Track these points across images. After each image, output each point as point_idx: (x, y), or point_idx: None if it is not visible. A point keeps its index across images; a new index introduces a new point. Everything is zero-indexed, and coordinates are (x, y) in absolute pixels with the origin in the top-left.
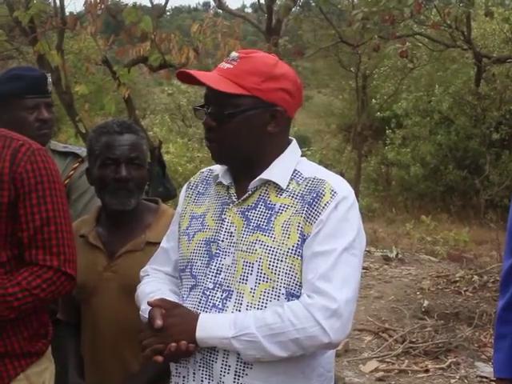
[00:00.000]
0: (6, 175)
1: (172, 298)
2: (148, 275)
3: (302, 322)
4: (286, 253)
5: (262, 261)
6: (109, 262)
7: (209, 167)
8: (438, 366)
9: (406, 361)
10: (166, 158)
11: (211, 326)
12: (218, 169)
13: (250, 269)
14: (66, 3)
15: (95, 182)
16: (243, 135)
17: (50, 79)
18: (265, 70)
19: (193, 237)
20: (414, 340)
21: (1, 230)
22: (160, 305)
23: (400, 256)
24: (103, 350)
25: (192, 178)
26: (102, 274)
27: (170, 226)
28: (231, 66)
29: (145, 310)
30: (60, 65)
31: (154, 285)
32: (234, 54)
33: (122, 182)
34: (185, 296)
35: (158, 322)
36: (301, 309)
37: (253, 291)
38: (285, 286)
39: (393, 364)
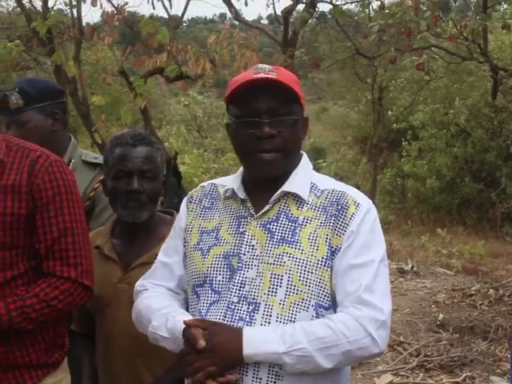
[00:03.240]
0: (24, 187)
1: (186, 316)
2: (147, 290)
3: (353, 334)
4: (315, 264)
5: (291, 273)
6: (123, 274)
7: (210, 181)
8: (452, 380)
9: (421, 374)
10: (181, 168)
11: (259, 342)
12: (227, 182)
13: (280, 281)
14: (83, 14)
15: (109, 193)
16: (298, 143)
17: (12, 97)
18: (298, 81)
19: (208, 252)
20: (428, 353)
21: (19, 241)
22: (198, 325)
23: (415, 269)
24: (117, 361)
25: (193, 192)
26: (116, 286)
27: (168, 240)
28: (275, 75)
29: (157, 326)
30: (77, 75)
31: (161, 301)
32: (262, 65)
33: (134, 194)
34: (203, 311)
35: (202, 343)
36: (351, 321)
37: (282, 303)
38: (315, 297)
39: (407, 377)
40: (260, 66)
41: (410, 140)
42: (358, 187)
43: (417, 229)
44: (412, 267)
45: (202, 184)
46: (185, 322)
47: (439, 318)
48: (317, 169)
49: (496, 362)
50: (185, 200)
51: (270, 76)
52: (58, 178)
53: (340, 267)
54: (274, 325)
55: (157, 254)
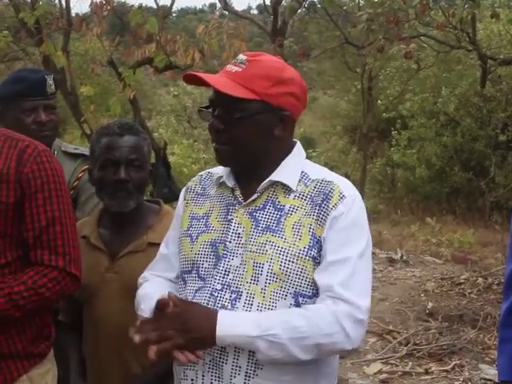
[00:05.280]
0: (12, 175)
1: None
2: (147, 280)
3: (328, 328)
4: (297, 254)
5: (272, 261)
6: (110, 263)
7: (207, 170)
8: (441, 368)
9: (410, 363)
10: (171, 159)
11: (233, 324)
12: (218, 171)
13: (261, 269)
14: (71, 4)
15: (95, 183)
16: (251, 139)
17: (50, 81)
18: (274, 75)
19: (196, 238)
20: (418, 342)
21: (6, 230)
22: (173, 299)
23: (405, 258)
24: (105, 351)
25: (190, 182)
26: (103, 275)
27: (169, 230)
28: (240, 69)
29: (143, 309)
30: (66, 66)
31: (154, 287)
32: (241, 56)
33: (121, 183)
34: (190, 298)
35: (173, 308)
36: (327, 314)
37: (263, 292)
38: (294, 286)
39: (396, 366)
40: (239, 56)
41: (400, 129)
42: (347, 177)
43: (406, 218)
44: (401, 256)
45: (200, 173)
46: (160, 298)
47: (428, 307)
48: (307, 158)
49: (485, 350)
50: (183, 190)
51: (219, 81)
52: (47, 167)
53: (321, 261)
54: (281, 308)
55: (144, 243)
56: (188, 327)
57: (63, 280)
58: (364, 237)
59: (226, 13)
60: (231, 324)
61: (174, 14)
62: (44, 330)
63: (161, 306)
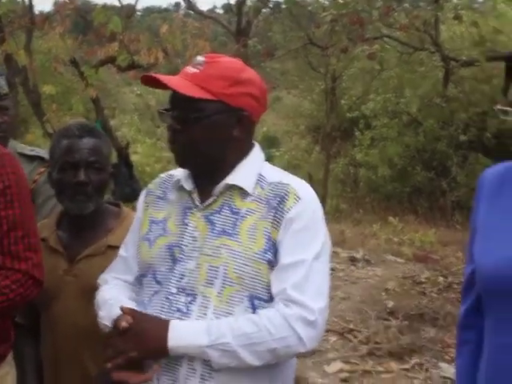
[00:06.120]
0: None
1: (129, 304)
2: (107, 283)
3: (279, 332)
4: (252, 257)
5: (227, 265)
6: (69, 266)
7: (168, 172)
8: (402, 367)
9: (371, 361)
10: (134, 158)
11: (183, 334)
12: (178, 174)
13: (216, 273)
14: (34, 2)
15: (55, 185)
16: (208, 139)
17: (2, 82)
18: (231, 75)
19: (154, 242)
20: (378, 341)
21: None
22: (129, 313)
23: (367, 257)
24: (63, 354)
25: (150, 184)
26: (62, 278)
27: (129, 233)
28: (197, 71)
29: (103, 316)
30: (28, 64)
31: (112, 292)
32: (199, 58)
33: (81, 186)
34: (146, 301)
35: (124, 324)
36: (278, 318)
37: (220, 295)
38: (249, 289)
39: (357, 365)
40: (197, 58)
41: (363, 129)
42: (310, 176)
43: (368, 217)
44: (363, 255)
45: (161, 175)
46: (121, 308)
47: (389, 306)
48: (270, 158)
49: (445, 349)
50: (143, 192)
51: (176, 82)
52: (9, 171)
53: (275, 264)
54: (208, 318)
55: (103, 246)
56: (139, 339)
57: (26, 283)
58: (319, 239)
59: (191, 12)
60: (182, 335)
61: (138, 13)
62: (3, 333)
63: (116, 324)
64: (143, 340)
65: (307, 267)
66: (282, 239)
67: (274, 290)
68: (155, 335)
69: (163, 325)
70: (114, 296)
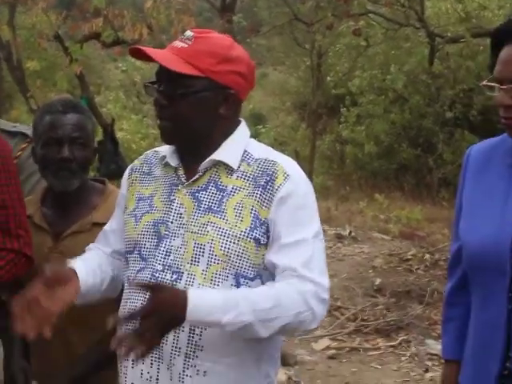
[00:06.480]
0: None
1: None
2: (90, 249)
3: (296, 307)
4: (238, 235)
5: (213, 243)
6: (54, 243)
7: (154, 149)
8: (389, 344)
9: (358, 338)
10: (119, 135)
11: (203, 312)
12: (164, 150)
13: (202, 250)
14: None
15: (39, 161)
16: (194, 116)
17: None
18: (220, 52)
19: (140, 218)
20: (365, 318)
21: None
22: (150, 286)
23: (353, 234)
24: None
25: (136, 161)
26: (48, 255)
27: (115, 208)
28: (185, 46)
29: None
30: (11, 40)
31: (92, 253)
32: (188, 32)
33: (65, 162)
34: (131, 278)
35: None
36: (295, 293)
37: (204, 273)
38: (235, 267)
39: (344, 342)
40: (186, 32)
41: (349, 106)
42: (297, 153)
43: (355, 194)
44: (350, 232)
45: (146, 152)
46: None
47: (376, 283)
48: (256, 134)
49: (431, 326)
50: (128, 169)
51: (164, 56)
52: None
53: (273, 244)
54: (222, 289)
55: (88, 223)
56: (159, 316)
57: (19, 262)
58: (316, 216)
59: None
60: (201, 311)
61: None
62: None
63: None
64: (163, 318)
65: (312, 245)
66: (276, 218)
67: (281, 266)
68: (175, 312)
69: (182, 301)
70: (92, 256)
